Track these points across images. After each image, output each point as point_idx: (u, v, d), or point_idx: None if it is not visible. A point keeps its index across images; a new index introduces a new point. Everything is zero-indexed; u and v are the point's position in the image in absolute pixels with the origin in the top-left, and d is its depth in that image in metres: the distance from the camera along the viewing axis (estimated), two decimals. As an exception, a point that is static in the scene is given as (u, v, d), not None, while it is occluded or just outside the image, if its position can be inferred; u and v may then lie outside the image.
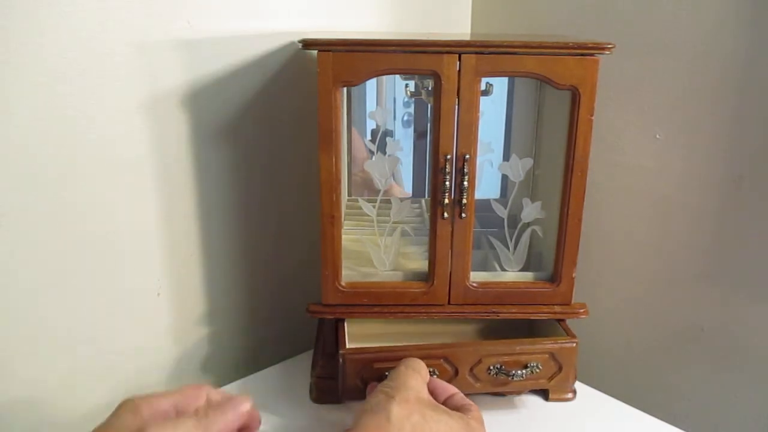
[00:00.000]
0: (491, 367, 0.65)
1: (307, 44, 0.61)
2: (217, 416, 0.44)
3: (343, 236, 0.72)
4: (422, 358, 0.60)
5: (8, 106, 0.59)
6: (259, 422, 0.51)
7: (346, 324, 0.69)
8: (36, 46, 0.59)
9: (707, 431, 0.81)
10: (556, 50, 0.62)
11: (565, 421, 0.70)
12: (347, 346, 0.65)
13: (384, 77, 0.83)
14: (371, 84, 0.84)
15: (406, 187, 0.89)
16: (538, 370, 0.66)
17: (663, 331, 0.84)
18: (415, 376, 0.55)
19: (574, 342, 0.66)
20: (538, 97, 0.78)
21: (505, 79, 0.82)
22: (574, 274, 0.69)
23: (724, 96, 0.73)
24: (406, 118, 0.90)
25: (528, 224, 0.71)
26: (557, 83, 0.63)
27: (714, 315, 0.79)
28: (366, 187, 0.87)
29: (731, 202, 0.74)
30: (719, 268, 0.77)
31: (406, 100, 0.88)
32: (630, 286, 0.87)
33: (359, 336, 0.71)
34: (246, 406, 0.47)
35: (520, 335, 0.74)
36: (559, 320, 0.71)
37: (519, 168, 0.69)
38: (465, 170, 0.65)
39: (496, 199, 0.77)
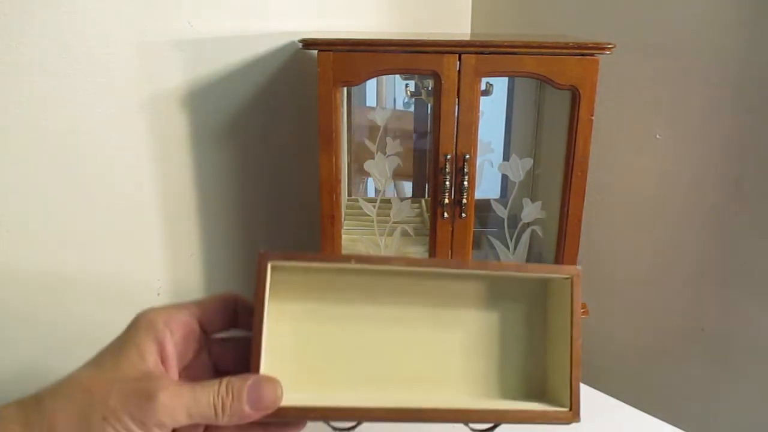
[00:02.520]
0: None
1: (307, 44, 0.61)
2: (234, 407, 0.36)
3: (343, 236, 0.72)
4: (390, 420, 0.40)
5: (8, 106, 0.59)
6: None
7: (266, 325, 0.38)
8: (36, 46, 0.59)
9: (707, 431, 0.81)
10: (556, 50, 0.62)
11: (565, 421, 0.70)
12: (282, 399, 0.38)
13: (384, 77, 0.83)
14: (371, 84, 0.84)
15: (406, 187, 0.89)
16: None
17: (663, 331, 0.84)
18: None
19: (568, 412, 0.42)
20: (538, 97, 0.78)
21: (505, 79, 0.82)
22: (574, 274, 0.69)
23: (723, 96, 0.73)
24: (406, 118, 0.90)
25: (528, 224, 0.71)
26: (557, 83, 0.63)
27: (714, 315, 0.79)
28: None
29: (731, 202, 0.74)
30: (719, 269, 0.77)
31: (406, 100, 0.88)
32: (630, 286, 0.87)
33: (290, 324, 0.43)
34: (273, 397, 0.37)
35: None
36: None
37: (519, 168, 0.69)
38: (465, 170, 0.65)
39: (496, 199, 0.77)
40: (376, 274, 0.43)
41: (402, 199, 0.72)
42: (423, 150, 0.89)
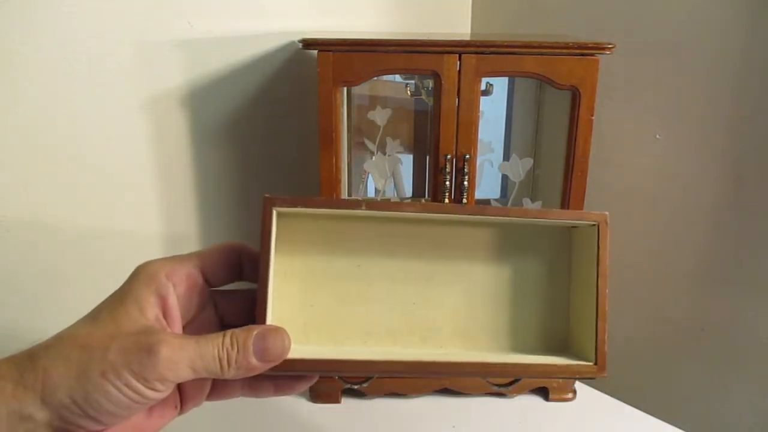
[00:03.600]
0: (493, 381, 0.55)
1: (307, 44, 0.61)
2: (240, 361, 0.34)
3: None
4: (406, 374, 0.41)
5: (9, 106, 0.59)
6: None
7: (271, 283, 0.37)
8: (36, 46, 0.59)
9: (707, 431, 0.81)
10: (556, 50, 0.62)
11: (565, 421, 0.70)
12: (290, 350, 0.37)
13: (384, 77, 0.83)
14: (371, 84, 0.84)
15: (406, 187, 0.89)
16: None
17: (663, 332, 0.84)
18: None
19: (593, 366, 0.40)
20: (538, 97, 0.78)
21: (505, 79, 0.82)
22: (574, 274, 0.69)
23: (723, 96, 0.73)
24: (406, 117, 0.89)
25: (528, 224, 0.71)
26: (557, 83, 0.63)
27: (714, 315, 0.79)
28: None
29: (731, 202, 0.74)
30: (719, 268, 0.77)
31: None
32: (630, 286, 0.87)
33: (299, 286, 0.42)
34: (280, 349, 0.35)
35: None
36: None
37: (519, 168, 0.69)
38: (465, 170, 0.65)
39: (496, 199, 0.77)
40: (387, 222, 0.40)
41: (402, 199, 0.72)
42: (423, 150, 0.89)
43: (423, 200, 0.88)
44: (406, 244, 0.41)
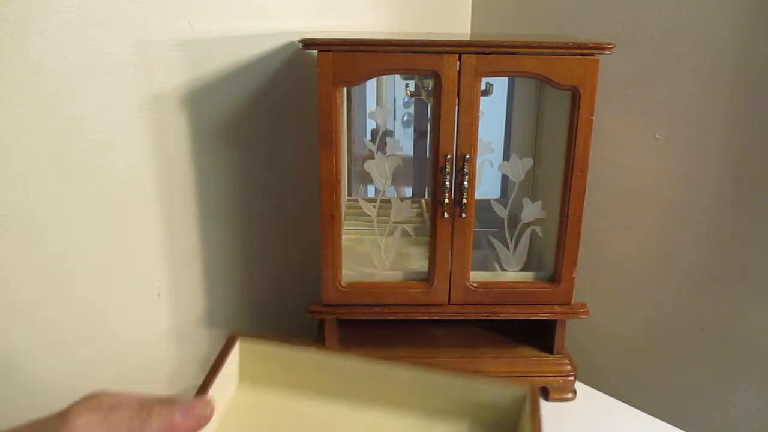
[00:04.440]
0: None
1: (307, 44, 0.61)
2: (163, 414, 0.35)
3: (343, 236, 0.72)
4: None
5: (8, 107, 0.59)
6: None
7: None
8: (36, 46, 0.59)
9: (707, 431, 0.81)
10: (556, 50, 0.62)
11: (565, 421, 0.70)
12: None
13: (384, 77, 0.83)
14: (371, 84, 0.84)
15: (406, 186, 0.89)
16: None
17: (663, 331, 0.84)
18: None
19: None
20: (538, 97, 0.78)
21: (505, 79, 0.82)
22: (574, 274, 0.69)
23: (723, 96, 0.73)
24: (406, 118, 0.90)
25: (528, 224, 0.71)
26: (557, 83, 0.63)
27: (714, 315, 0.79)
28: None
29: (731, 202, 0.74)
30: (719, 268, 0.77)
31: (406, 100, 0.88)
32: (630, 286, 0.87)
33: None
34: (203, 412, 0.36)
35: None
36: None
37: (519, 168, 0.69)
38: (465, 170, 0.65)
39: (496, 199, 0.77)
40: (346, 364, 0.41)
41: (402, 199, 0.72)
42: (423, 150, 0.89)
43: (423, 200, 0.88)
44: (366, 388, 0.42)
